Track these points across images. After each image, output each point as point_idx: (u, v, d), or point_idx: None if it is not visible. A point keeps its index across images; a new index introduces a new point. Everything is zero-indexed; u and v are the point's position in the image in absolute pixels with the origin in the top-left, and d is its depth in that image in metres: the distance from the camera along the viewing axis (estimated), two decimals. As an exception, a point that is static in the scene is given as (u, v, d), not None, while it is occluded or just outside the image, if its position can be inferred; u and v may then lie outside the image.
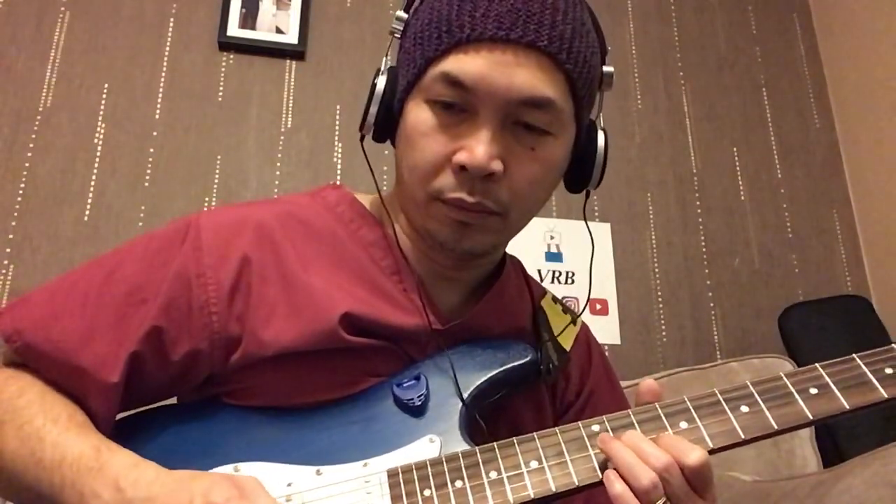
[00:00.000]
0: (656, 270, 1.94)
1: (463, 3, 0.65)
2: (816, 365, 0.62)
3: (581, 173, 0.73)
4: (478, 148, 0.63)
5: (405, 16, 0.72)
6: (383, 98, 0.70)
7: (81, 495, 0.56)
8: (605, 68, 0.72)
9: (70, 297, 0.68)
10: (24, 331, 0.65)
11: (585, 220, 0.79)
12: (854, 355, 0.62)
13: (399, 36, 0.72)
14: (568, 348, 0.79)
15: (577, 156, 0.73)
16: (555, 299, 0.86)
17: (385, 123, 0.71)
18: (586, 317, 0.86)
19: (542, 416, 0.78)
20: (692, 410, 0.61)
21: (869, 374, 0.61)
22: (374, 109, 0.70)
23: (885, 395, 0.59)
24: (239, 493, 0.54)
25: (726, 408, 0.61)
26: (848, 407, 0.59)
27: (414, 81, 0.68)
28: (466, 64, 0.63)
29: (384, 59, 0.73)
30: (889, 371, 0.61)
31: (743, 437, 0.59)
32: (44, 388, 0.65)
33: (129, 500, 0.54)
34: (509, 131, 0.65)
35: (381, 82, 0.71)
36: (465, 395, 0.68)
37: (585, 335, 0.87)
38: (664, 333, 1.88)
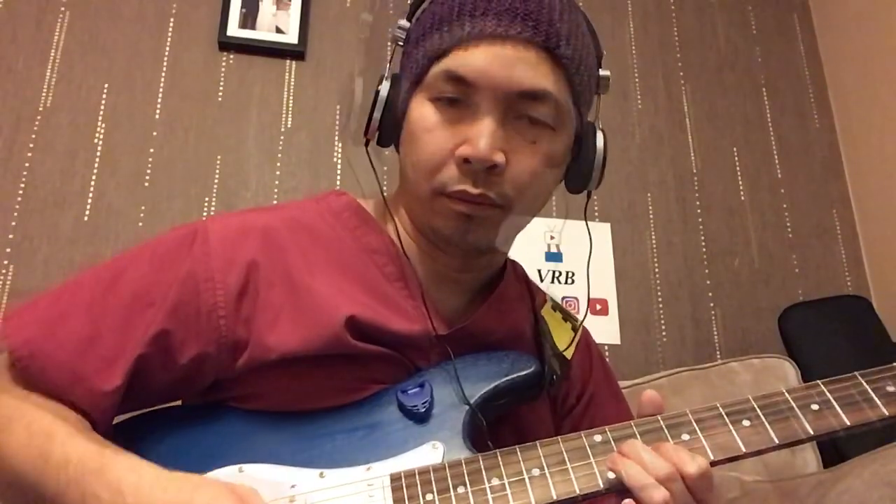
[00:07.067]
0: (656, 270, 1.94)
1: (464, 5, 0.67)
2: (818, 381, 0.63)
3: (581, 173, 0.74)
4: (480, 140, 0.65)
5: (407, 24, 0.74)
6: (386, 103, 0.72)
7: (83, 496, 0.56)
8: (602, 72, 0.75)
9: (75, 301, 0.67)
10: (28, 335, 0.65)
11: (586, 220, 0.80)
12: (856, 373, 0.63)
13: (402, 43, 0.74)
14: (570, 357, 0.80)
15: (577, 156, 0.74)
16: (555, 306, 0.87)
17: (389, 127, 0.73)
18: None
19: (543, 420, 0.78)
20: (694, 423, 0.62)
21: (870, 391, 0.61)
22: (377, 114, 0.72)
23: (886, 413, 0.60)
24: None
25: (728, 421, 0.61)
26: (849, 423, 0.60)
27: (417, 81, 0.70)
28: (467, 60, 0.66)
29: (387, 65, 0.75)
30: (891, 389, 0.61)
31: (744, 450, 0.60)
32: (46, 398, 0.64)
33: None
34: (511, 125, 0.67)
35: (385, 87, 0.72)
36: (471, 404, 0.69)
37: (586, 339, 0.87)
38: (664, 333, 1.88)
